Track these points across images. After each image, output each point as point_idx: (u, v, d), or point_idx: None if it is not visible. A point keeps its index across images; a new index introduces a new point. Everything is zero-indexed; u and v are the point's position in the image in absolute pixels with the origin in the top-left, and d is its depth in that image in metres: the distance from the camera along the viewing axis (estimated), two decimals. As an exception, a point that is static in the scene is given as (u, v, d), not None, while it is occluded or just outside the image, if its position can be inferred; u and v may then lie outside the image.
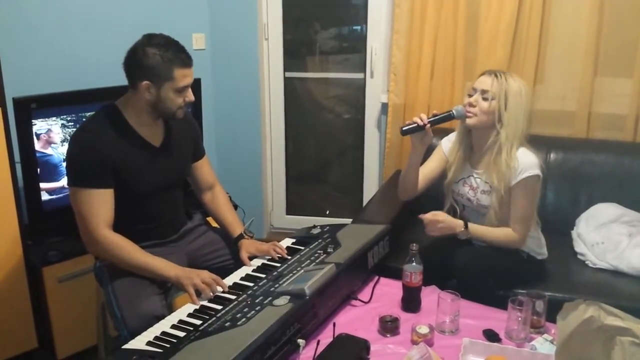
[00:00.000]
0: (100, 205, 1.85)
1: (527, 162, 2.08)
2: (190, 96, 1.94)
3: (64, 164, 1.91)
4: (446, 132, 2.42)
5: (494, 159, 2.11)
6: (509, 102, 2.06)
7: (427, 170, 2.30)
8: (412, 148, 2.18)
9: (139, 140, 1.95)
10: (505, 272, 2.17)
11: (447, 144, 2.32)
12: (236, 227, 2.19)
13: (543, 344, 1.67)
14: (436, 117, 2.12)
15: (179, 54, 1.86)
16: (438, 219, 2.11)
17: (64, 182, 2.46)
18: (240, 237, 2.15)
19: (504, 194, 2.10)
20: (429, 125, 2.09)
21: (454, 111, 2.13)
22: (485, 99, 2.08)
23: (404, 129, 2.11)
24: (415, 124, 2.09)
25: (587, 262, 2.44)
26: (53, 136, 2.42)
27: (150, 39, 1.86)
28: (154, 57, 1.82)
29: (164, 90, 1.86)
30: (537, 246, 2.25)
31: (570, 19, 2.84)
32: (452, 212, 2.27)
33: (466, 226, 2.14)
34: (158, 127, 2.02)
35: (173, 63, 1.84)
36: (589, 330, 1.41)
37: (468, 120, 2.13)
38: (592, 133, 2.88)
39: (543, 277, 2.26)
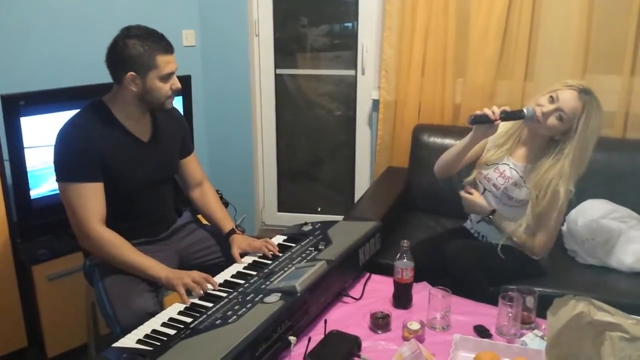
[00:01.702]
0: (91, 199, 1.84)
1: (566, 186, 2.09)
2: (176, 83, 1.94)
3: (53, 161, 1.89)
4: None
5: (542, 176, 2.09)
6: (579, 136, 2.02)
7: (468, 154, 2.27)
8: (472, 137, 2.10)
9: (126, 135, 1.94)
10: (495, 267, 2.18)
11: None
12: (227, 223, 2.18)
13: (533, 340, 1.68)
14: (507, 114, 2.04)
15: (159, 42, 1.86)
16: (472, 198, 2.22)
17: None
18: (232, 232, 2.15)
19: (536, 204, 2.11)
20: (499, 120, 2.04)
21: (525, 111, 2.06)
22: (559, 118, 2.04)
23: (473, 118, 2.03)
24: (487, 116, 2.02)
25: (577, 258, 2.46)
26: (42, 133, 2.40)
27: (128, 31, 1.86)
28: (134, 47, 1.82)
29: (149, 79, 1.86)
30: None
31: (560, 16, 2.84)
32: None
33: (492, 213, 2.19)
34: (146, 122, 2.01)
35: (155, 51, 1.84)
36: (579, 325, 1.41)
37: (535, 125, 2.08)
38: (582, 129, 2.89)
39: (533, 273, 2.27)
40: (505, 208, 2.24)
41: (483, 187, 2.29)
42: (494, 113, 2.01)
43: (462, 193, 2.24)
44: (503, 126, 2.21)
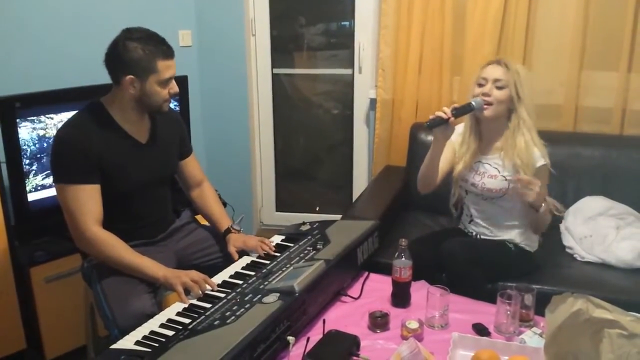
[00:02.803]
0: (88, 201, 1.84)
1: (543, 151, 2.16)
2: (174, 88, 1.93)
3: (50, 162, 1.89)
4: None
5: (513, 143, 2.15)
6: (522, 86, 2.12)
7: (442, 164, 2.31)
8: (434, 142, 2.18)
9: (124, 137, 1.94)
10: (493, 264, 2.19)
11: (456, 136, 2.33)
12: (224, 221, 2.19)
13: (532, 338, 1.68)
14: (458, 110, 2.12)
15: (160, 46, 1.85)
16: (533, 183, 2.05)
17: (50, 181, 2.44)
18: (228, 231, 2.15)
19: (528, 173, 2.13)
20: (452, 118, 2.09)
21: (473, 102, 2.16)
22: (499, 88, 2.13)
23: (429, 123, 2.10)
24: (440, 118, 2.09)
25: (575, 256, 2.46)
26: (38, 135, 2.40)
27: (129, 33, 1.84)
28: (135, 50, 1.81)
29: (149, 83, 1.85)
30: (529, 239, 2.27)
31: (556, 13, 2.85)
32: (459, 201, 2.37)
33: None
34: (144, 124, 2.01)
35: (155, 55, 1.83)
36: (577, 323, 1.41)
37: (485, 112, 2.16)
38: (579, 126, 2.90)
39: (532, 271, 2.27)
40: (487, 203, 2.27)
41: (465, 189, 2.33)
42: (445, 113, 2.09)
43: (519, 177, 2.09)
44: (458, 136, 2.29)
